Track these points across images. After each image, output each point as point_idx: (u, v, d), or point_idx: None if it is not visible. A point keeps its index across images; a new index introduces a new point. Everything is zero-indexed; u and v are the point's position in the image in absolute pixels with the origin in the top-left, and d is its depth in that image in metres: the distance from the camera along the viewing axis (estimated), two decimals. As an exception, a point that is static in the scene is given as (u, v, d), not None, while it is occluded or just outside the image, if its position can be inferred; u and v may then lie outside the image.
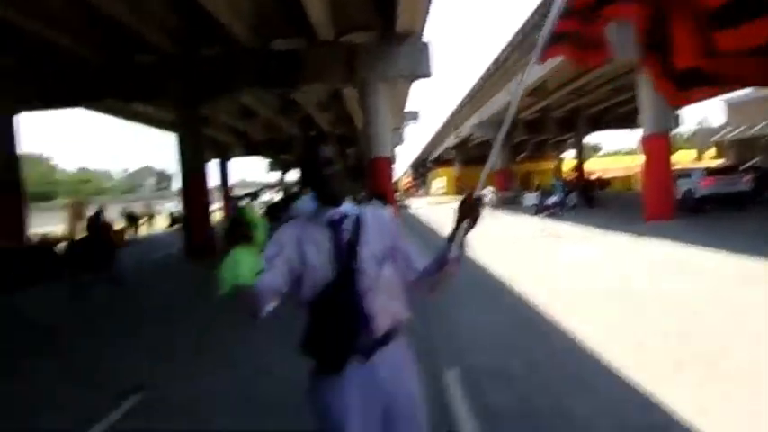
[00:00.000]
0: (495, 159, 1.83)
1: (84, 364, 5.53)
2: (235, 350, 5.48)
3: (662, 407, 3.34)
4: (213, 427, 3.69)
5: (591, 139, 59.63)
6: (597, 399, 3.61)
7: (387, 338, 1.79)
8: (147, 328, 7.17)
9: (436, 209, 30.14)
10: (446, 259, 1.77)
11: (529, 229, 16.04)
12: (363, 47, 13.96)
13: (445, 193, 51.03)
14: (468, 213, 1.73)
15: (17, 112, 15.17)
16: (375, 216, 1.88)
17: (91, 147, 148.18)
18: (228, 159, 34.56)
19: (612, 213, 18.98)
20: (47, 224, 22.62)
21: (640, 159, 18.91)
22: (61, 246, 13.56)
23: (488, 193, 24.61)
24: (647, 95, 15.09)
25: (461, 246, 1.77)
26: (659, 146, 15.44)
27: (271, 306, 1.71)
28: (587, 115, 32.78)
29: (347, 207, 1.83)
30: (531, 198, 25.69)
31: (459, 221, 1.74)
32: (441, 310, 6.34)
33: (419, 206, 37.68)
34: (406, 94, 24.89)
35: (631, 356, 4.30)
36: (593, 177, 26.86)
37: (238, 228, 1.56)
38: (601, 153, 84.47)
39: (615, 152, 76.11)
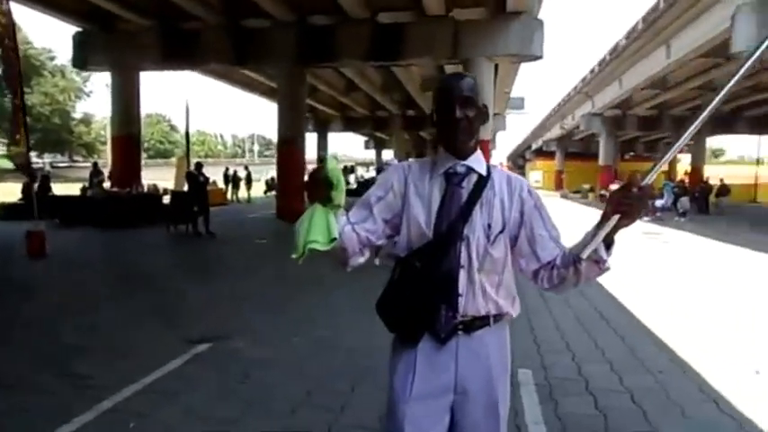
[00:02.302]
0: (682, 143, 1.38)
1: (162, 304, 5.78)
2: (309, 306, 5.48)
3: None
4: (269, 384, 3.64)
5: (712, 142, 54.57)
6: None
7: (472, 325, 1.50)
8: (221, 278, 7.44)
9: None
10: (578, 257, 1.40)
11: (630, 230, 14.86)
12: (471, 23, 13.39)
13: (541, 187, 49.06)
14: (624, 206, 1.29)
15: (139, 70, 16.41)
16: (507, 182, 1.54)
17: (209, 112, 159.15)
18: (327, 133, 35.36)
19: (732, 224, 17.11)
20: (162, 178, 24.47)
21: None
22: (166, 197, 14.56)
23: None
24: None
25: (606, 245, 1.38)
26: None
27: (361, 259, 1.53)
28: (712, 115, 29.73)
29: (475, 163, 1.52)
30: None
31: (609, 214, 1.32)
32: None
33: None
34: (512, 77, 23.88)
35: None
36: (711, 182, 24.28)
37: (316, 185, 1.35)
38: (723, 159, 77.34)
39: (739, 159, 69.07)
